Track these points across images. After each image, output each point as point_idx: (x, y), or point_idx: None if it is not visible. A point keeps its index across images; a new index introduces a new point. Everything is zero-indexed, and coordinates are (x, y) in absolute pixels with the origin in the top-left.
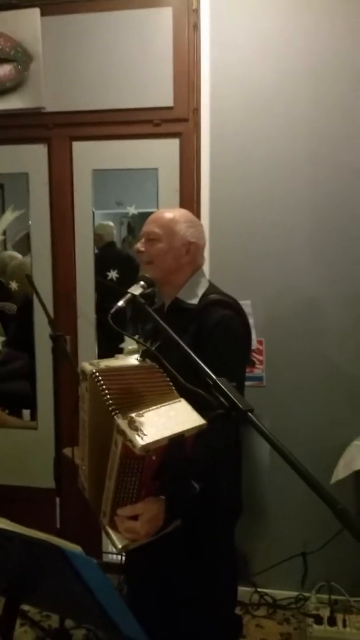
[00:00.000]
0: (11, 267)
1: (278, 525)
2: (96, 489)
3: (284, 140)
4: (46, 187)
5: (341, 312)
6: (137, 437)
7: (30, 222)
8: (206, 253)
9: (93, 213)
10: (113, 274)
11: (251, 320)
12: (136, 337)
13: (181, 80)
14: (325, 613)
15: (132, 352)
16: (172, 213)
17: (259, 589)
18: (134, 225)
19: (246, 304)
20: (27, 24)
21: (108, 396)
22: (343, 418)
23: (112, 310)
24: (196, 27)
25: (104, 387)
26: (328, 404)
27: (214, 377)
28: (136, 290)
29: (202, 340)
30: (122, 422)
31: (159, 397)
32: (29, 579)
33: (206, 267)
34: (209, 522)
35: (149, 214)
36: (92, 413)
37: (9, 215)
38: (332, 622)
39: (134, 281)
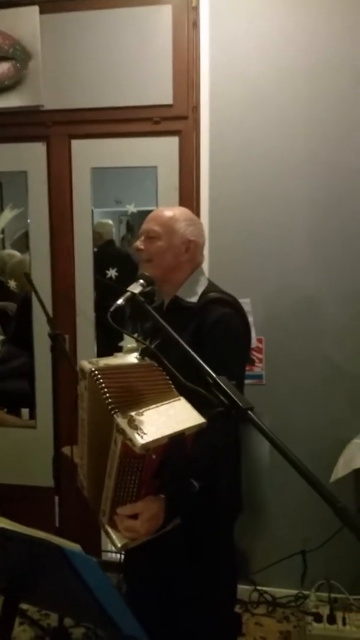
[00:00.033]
0: (11, 265)
1: (278, 524)
2: (95, 487)
3: (283, 138)
4: (45, 185)
5: (341, 311)
6: (137, 435)
7: (29, 221)
8: (205, 251)
9: (92, 211)
10: (112, 273)
11: (251, 319)
12: (135, 335)
13: (180, 78)
14: (324, 611)
15: (131, 351)
16: (171, 211)
17: (259, 587)
18: (133, 223)
19: (246, 302)
20: (26, 22)
21: (107, 395)
22: (343, 416)
23: (112, 309)
24: (195, 24)
25: (103, 385)
26: (328, 402)
27: (214, 375)
28: (136, 288)
29: (201, 339)
30: (121, 421)
31: (158, 396)
32: (28, 578)
33: (205, 265)
34: (208, 520)
35: (148, 212)
36: (91, 412)
37: (8, 214)
38: (331, 620)
39: (134, 279)
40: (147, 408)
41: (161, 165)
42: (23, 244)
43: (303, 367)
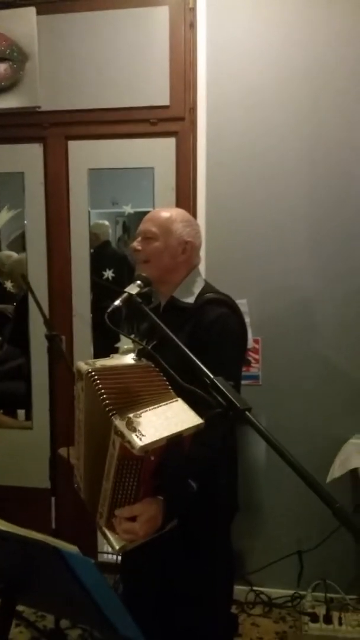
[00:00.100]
0: (9, 264)
1: (274, 524)
2: (92, 488)
3: (280, 139)
4: (42, 186)
5: (337, 311)
6: (135, 438)
7: (25, 222)
8: (202, 252)
9: (89, 212)
10: (109, 274)
11: (247, 319)
12: (132, 336)
13: (177, 79)
14: (321, 611)
15: (127, 352)
16: (168, 212)
17: (255, 588)
18: (129, 224)
19: (242, 303)
20: (23, 23)
21: (104, 396)
22: (339, 417)
23: (109, 310)
24: (192, 25)
25: (100, 386)
26: (324, 402)
27: (211, 376)
28: (133, 289)
29: (198, 339)
30: (120, 423)
31: (155, 397)
32: (25, 580)
33: (202, 266)
34: (206, 521)
35: (145, 213)
36: (87, 412)
37: (4, 215)
38: (328, 620)
39: (130, 280)
40: (145, 410)
41: (158, 166)
42: (19, 245)
43: (299, 368)
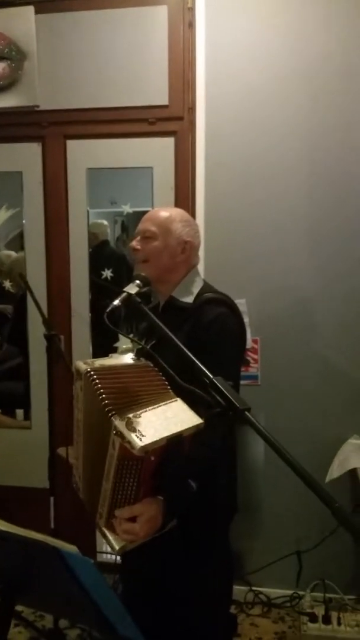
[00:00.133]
0: (9, 263)
1: (272, 524)
2: (91, 488)
3: (279, 139)
4: (40, 185)
5: (336, 311)
6: (135, 438)
7: (24, 221)
8: (201, 252)
9: (87, 212)
10: (107, 273)
11: (246, 319)
12: (131, 336)
13: (176, 78)
14: (319, 611)
15: (126, 351)
16: (167, 212)
17: (254, 588)
18: (128, 224)
19: (241, 303)
20: (21, 22)
21: (104, 395)
22: (338, 417)
23: (108, 309)
24: (191, 25)
25: (99, 386)
26: (323, 402)
27: (211, 376)
28: (132, 289)
29: (197, 339)
30: (119, 424)
31: (155, 397)
32: (24, 580)
33: (201, 266)
34: (205, 521)
35: (144, 212)
36: (86, 412)
37: (3, 214)
38: (326, 620)
39: (129, 280)
40: (145, 410)
41: (157, 165)
42: (18, 244)
43: (298, 368)
